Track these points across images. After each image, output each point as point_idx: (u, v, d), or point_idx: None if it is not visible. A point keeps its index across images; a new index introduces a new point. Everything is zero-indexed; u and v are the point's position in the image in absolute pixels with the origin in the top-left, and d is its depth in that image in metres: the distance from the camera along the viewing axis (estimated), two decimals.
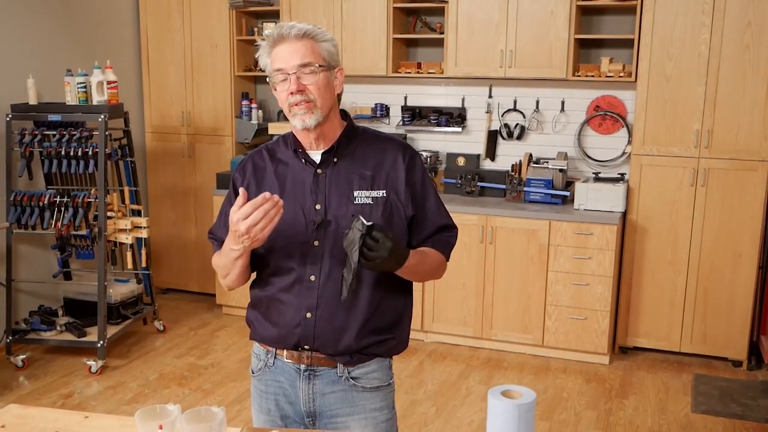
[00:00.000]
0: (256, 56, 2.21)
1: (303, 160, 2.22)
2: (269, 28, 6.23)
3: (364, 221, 1.99)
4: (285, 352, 2.26)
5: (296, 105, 2.11)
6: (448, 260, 2.35)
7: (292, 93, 2.10)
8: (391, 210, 2.19)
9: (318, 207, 2.18)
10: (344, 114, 2.29)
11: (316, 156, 2.22)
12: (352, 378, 2.24)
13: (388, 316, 2.26)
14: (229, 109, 6.31)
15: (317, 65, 2.11)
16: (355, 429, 2.25)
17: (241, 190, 2.02)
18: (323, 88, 2.13)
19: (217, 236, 2.35)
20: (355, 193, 2.18)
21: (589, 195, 5.26)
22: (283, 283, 2.22)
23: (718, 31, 4.90)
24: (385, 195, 2.19)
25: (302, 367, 2.24)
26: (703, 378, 5.05)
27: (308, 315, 2.18)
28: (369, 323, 2.20)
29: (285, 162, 2.26)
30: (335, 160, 2.21)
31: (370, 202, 2.18)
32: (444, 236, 2.30)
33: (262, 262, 2.26)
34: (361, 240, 1.97)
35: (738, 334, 5.16)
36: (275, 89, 2.17)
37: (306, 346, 2.19)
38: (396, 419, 2.38)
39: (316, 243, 2.17)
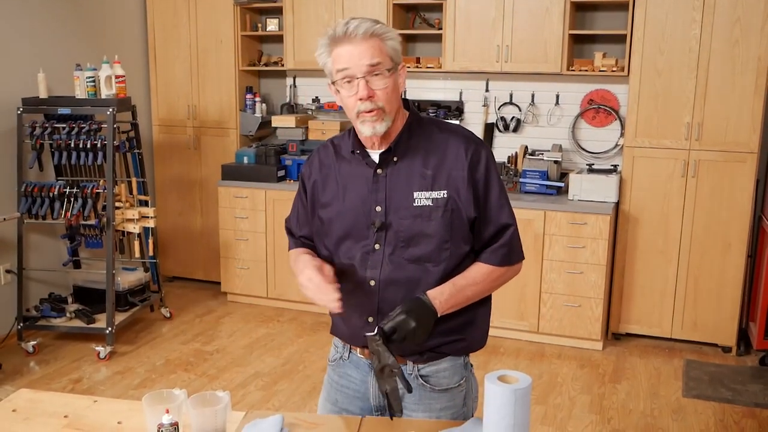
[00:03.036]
0: (316, 55, 2.04)
1: (363, 160, 2.10)
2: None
3: (371, 335, 1.90)
4: (358, 348, 2.19)
5: (365, 113, 1.98)
6: (512, 264, 2.15)
7: (361, 99, 1.97)
8: (452, 212, 2.04)
9: (378, 209, 2.06)
10: (406, 103, 2.16)
11: (375, 154, 2.09)
12: (421, 376, 2.14)
13: (460, 319, 2.11)
14: (234, 102, 6.29)
15: (386, 69, 1.98)
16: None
17: (326, 268, 2.02)
18: (392, 93, 2.01)
19: (293, 230, 2.29)
20: (415, 194, 2.04)
21: (582, 186, 5.25)
22: (347, 288, 2.07)
23: (708, 26, 4.88)
24: (445, 196, 2.03)
25: None
26: (693, 363, 5.05)
27: (370, 319, 2.07)
28: (438, 326, 2.03)
29: (348, 160, 2.14)
30: (395, 159, 2.07)
31: (430, 204, 2.03)
32: (493, 248, 2.11)
33: (328, 262, 2.17)
34: (384, 348, 1.88)
35: (727, 320, 5.16)
36: (338, 92, 2.03)
37: None
38: (461, 416, 2.26)
39: (377, 246, 2.07)
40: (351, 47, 1.96)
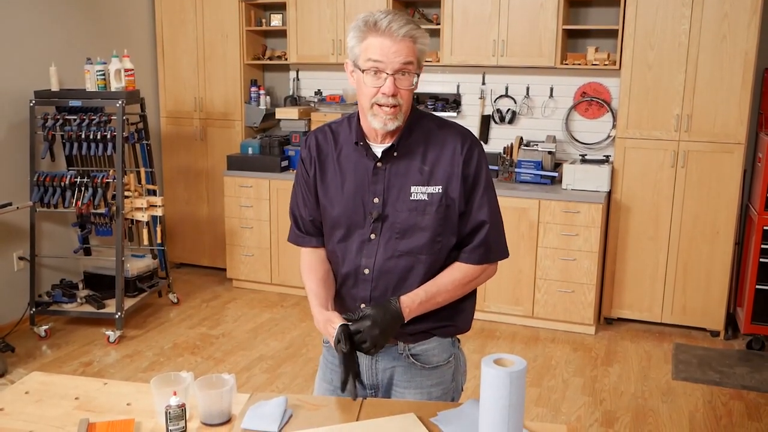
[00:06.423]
0: (347, 39, 2.02)
1: (365, 152, 2.08)
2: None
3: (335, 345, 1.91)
4: None
5: (383, 106, 1.96)
6: (491, 262, 2.11)
7: (384, 94, 1.94)
8: (446, 207, 2.04)
9: (376, 200, 2.06)
10: None
11: (378, 149, 2.07)
12: (412, 355, 2.14)
13: (451, 308, 2.12)
14: (239, 95, 6.27)
15: (414, 72, 1.96)
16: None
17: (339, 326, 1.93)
18: (410, 93, 1.99)
19: (301, 214, 2.22)
20: (412, 189, 2.04)
21: (576, 176, 5.24)
22: (340, 275, 2.14)
23: (697, 22, 4.86)
24: (441, 191, 2.03)
25: None
26: (682, 347, 5.05)
27: (363, 306, 2.05)
28: (426, 315, 2.08)
29: (347, 149, 2.12)
30: (395, 153, 2.06)
31: (426, 199, 2.03)
32: (470, 247, 2.08)
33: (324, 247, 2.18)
34: (344, 342, 1.90)
35: (716, 305, 5.15)
36: (353, 72, 2.01)
37: None
38: (451, 391, 2.26)
39: (372, 236, 2.06)
40: (389, 42, 1.93)
